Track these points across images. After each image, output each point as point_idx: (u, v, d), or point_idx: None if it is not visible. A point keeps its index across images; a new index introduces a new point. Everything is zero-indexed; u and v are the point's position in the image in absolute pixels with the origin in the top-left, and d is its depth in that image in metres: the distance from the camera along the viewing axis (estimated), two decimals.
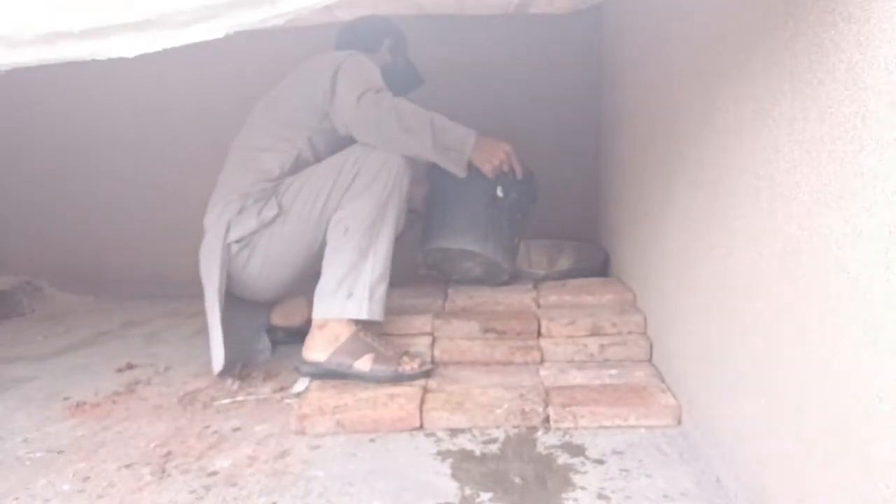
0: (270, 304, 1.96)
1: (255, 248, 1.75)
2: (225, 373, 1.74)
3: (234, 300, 1.80)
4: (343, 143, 1.80)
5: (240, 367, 1.79)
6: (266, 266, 1.77)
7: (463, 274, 2.01)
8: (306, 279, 1.77)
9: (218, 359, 1.70)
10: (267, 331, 1.97)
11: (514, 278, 2.05)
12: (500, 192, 1.90)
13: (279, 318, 1.96)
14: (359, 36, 1.96)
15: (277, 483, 1.21)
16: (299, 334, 1.80)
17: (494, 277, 1.99)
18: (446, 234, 1.91)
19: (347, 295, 1.64)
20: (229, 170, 1.84)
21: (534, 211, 2.03)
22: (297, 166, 1.79)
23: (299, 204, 1.73)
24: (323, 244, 1.71)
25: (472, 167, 1.83)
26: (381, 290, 1.67)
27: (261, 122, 1.87)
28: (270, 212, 1.72)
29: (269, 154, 1.79)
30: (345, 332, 1.64)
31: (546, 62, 2.57)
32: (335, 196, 1.69)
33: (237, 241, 1.74)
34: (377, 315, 1.66)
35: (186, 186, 2.66)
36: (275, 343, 1.98)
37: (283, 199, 1.74)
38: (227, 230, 1.74)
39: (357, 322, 1.66)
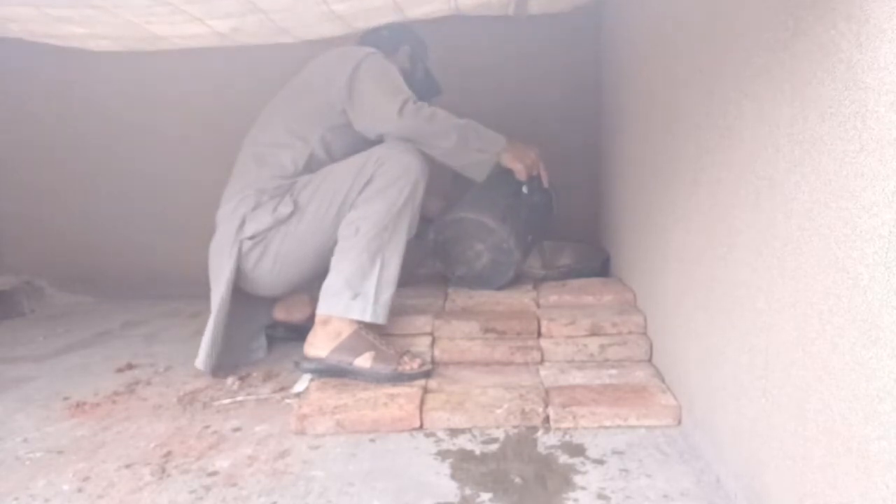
0: (273, 301, 1.96)
1: (269, 246, 1.75)
2: (215, 371, 1.75)
3: (237, 297, 1.81)
4: (356, 141, 1.80)
5: (230, 367, 1.79)
6: (278, 263, 1.77)
7: (469, 263, 1.98)
8: (316, 277, 1.77)
9: (208, 356, 1.71)
10: (268, 326, 1.98)
11: (515, 278, 2.05)
12: (525, 189, 2.01)
13: (281, 313, 1.97)
14: (379, 38, 1.98)
15: (277, 483, 1.21)
16: (300, 331, 1.81)
17: (500, 272, 1.97)
18: (466, 208, 1.94)
19: (353, 295, 1.64)
20: (243, 165, 1.85)
21: (550, 220, 2.14)
22: (311, 164, 1.80)
23: (315, 203, 1.73)
24: (336, 243, 1.71)
25: (500, 167, 1.91)
26: (388, 294, 1.67)
27: (275, 118, 1.87)
28: (286, 209, 1.73)
29: (283, 150, 1.81)
30: (346, 330, 1.64)
31: (546, 63, 2.57)
32: (351, 196, 1.70)
33: (250, 238, 1.75)
34: (381, 318, 1.66)
35: (187, 187, 2.67)
36: (275, 339, 1.98)
37: (299, 198, 1.75)
38: (242, 225, 1.75)
39: (360, 321, 1.66)
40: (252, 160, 1.83)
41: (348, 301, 1.64)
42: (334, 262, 1.69)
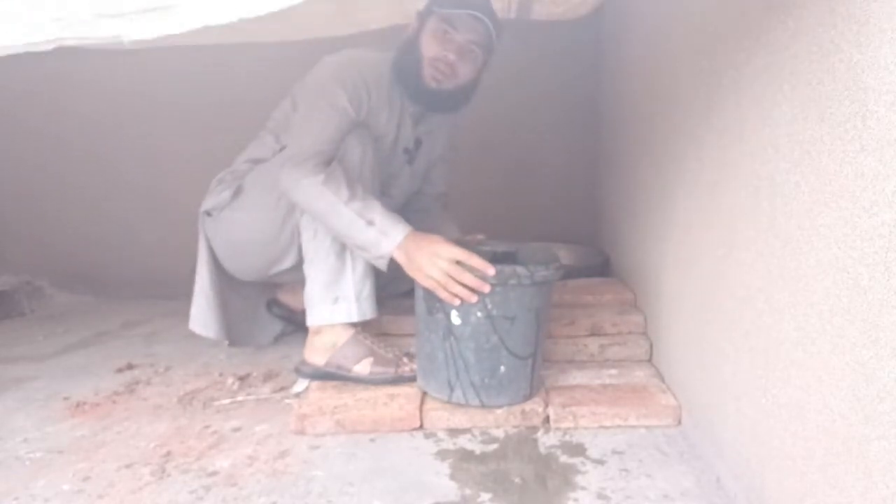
0: (272, 288, 2.01)
1: (219, 226, 1.79)
2: (232, 342, 1.84)
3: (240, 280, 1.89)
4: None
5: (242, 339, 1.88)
6: (230, 247, 1.81)
7: (492, 374, 1.40)
8: (290, 271, 1.77)
9: (202, 320, 1.79)
10: (268, 304, 2.01)
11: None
12: (455, 319, 1.36)
13: (284, 296, 2.00)
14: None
15: (277, 483, 1.21)
16: (297, 324, 1.81)
17: (519, 376, 1.42)
18: (420, 375, 1.51)
19: (334, 300, 1.60)
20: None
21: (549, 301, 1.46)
22: None
23: (255, 192, 1.73)
24: (291, 241, 1.70)
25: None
26: (367, 288, 1.61)
27: (281, 110, 1.88)
28: (227, 192, 1.75)
29: (272, 135, 1.81)
30: (342, 336, 1.61)
31: (545, 64, 2.57)
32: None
33: (207, 213, 1.80)
34: (368, 314, 1.61)
35: (187, 186, 2.66)
36: (272, 317, 2.02)
37: (244, 182, 1.76)
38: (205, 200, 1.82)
39: (354, 323, 1.63)
40: (248, 146, 1.87)
41: (331, 307, 1.60)
42: (306, 270, 1.64)
